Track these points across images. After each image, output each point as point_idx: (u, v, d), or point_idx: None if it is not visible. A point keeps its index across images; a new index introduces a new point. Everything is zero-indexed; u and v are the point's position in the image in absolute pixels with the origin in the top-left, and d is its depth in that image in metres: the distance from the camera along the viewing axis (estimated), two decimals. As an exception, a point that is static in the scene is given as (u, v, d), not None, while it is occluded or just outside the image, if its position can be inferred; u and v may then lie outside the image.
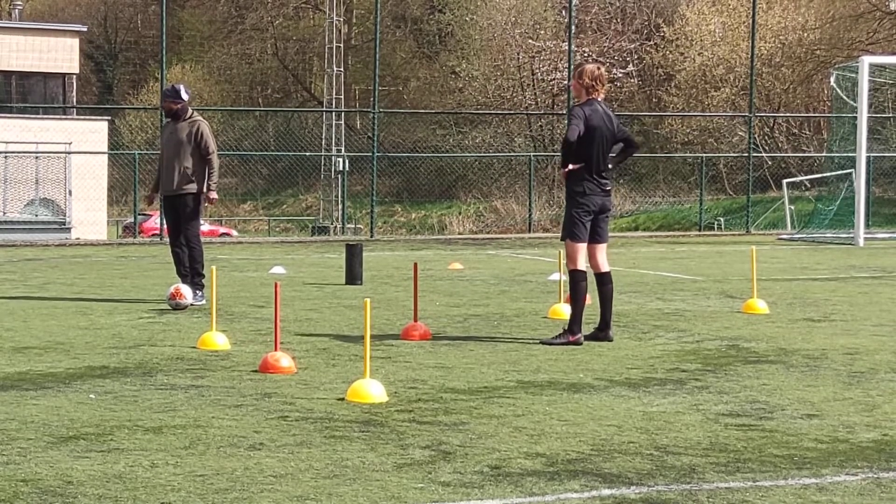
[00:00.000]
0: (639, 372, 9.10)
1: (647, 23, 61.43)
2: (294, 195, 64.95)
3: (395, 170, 54.07)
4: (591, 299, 11.33)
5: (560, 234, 10.95)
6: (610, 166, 10.71)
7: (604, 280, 10.73)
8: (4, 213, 38.14)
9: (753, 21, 31.62)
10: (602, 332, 10.67)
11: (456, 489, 5.78)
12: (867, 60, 25.56)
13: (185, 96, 13.55)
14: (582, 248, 10.58)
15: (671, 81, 57.25)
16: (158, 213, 24.64)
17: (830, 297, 14.38)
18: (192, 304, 12.92)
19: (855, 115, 25.64)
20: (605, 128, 10.53)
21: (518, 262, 20.06)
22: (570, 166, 10.54)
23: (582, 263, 10.57)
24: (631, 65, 59.42)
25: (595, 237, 10.68)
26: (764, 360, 9.71)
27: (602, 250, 10.76)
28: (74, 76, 50.70)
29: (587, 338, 10.62)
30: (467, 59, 62.81)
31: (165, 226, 14.00)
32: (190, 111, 13.62)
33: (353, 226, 47.42)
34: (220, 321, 11.30)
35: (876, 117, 32.77)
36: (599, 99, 10.63)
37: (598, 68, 10.67)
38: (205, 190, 13.46)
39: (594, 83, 10.57)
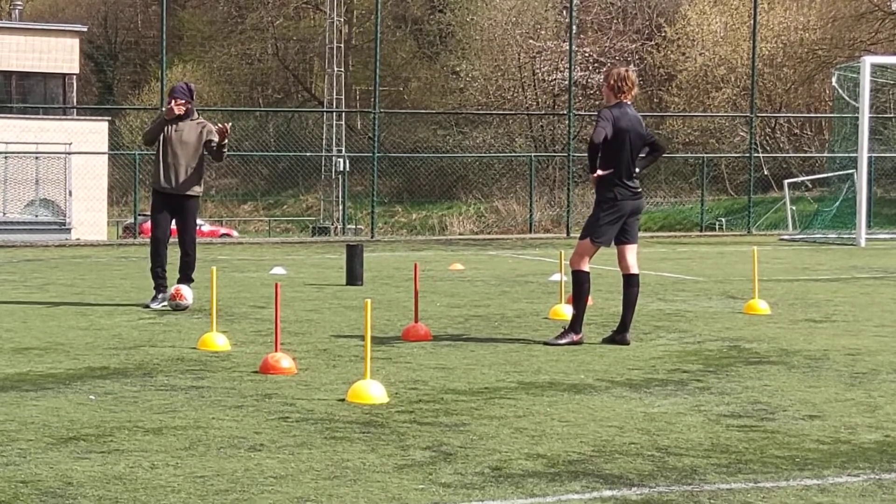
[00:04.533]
0: (640, 373, 9.09)
1: (648, 23, 61.44)
2: (294, 196, 64.97)
3: (395, 170, 54.07)
4: (592, 300, 11.30)
5: (580, 233, 10.80)
6: (637, 170, 10.61)
7: (631, 282, 10.62)
8: (4, 214, 38.11)
9: (755, 21, 31.60)
10: (619, 335, 10.58)
11: (457, 490, 5.76)
12: (869, 60, 25.54)
13: (194, 96, 13.59)
14: (594, 250, 10.53)
15: (672, 81, 57.27)
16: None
17: (832, 298, 14.37)
18: (188, 305, 12.87)
19: (856, 115, 25.62)
20: (635, 131, 10.44)
21: (519, 263, 20.04)
22: (600, 172, 10.41)
23: (587, 265, 10.53)
24: (632, 65, 59.36)
25: (625, 238, 10.57)
26: (765, 360, 9.70)
27: (633, 251, 10.66)
28: (74, 76, 50.69)
29: (604, 340, 10.59)
30: (468, 60, 62.81)
31: (153, 220, 13.53)
32: (195, 112, 13.58)
33: (354, 226, 47.41)
34: (221, 322, 11.28)
35: (877, 118, 32.74)
36: (628, 102, 10.54)
37: (626, 70, 10.55)
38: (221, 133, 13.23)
39: (620, 84, 10.45)
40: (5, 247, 23.48)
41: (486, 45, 62.42)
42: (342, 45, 63.18)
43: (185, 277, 13.37)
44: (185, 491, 5.70)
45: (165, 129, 13.40)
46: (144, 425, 7.09)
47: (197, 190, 13.37)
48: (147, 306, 13.06)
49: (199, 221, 13.51)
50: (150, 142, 13.64)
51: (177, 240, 13.47)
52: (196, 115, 13.51)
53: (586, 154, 10.77)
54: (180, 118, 13.36)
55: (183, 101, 13.33)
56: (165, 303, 13.11)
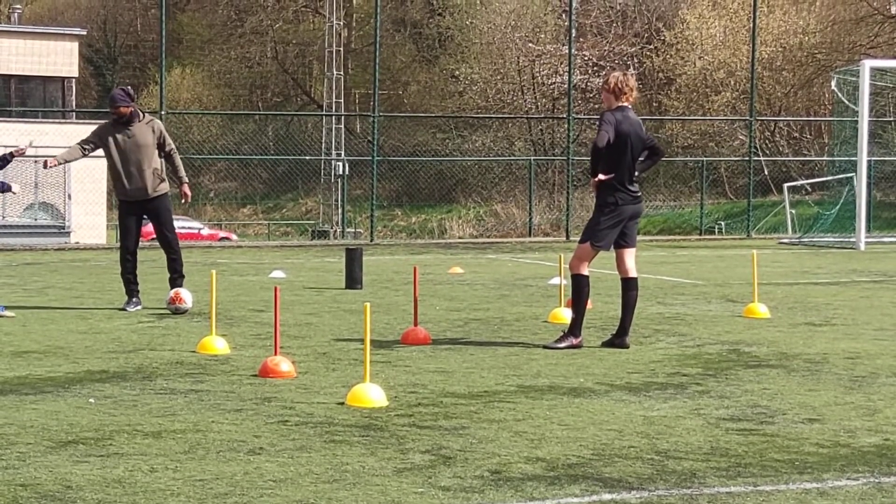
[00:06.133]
0: (639, 376, 9.08)
1: (647, 26, 61.47)
2: (294, 199, 65.01)
3: (395, 174, 54.10)
4: (591, 304, 11.29)
5: (580, 237, 10.79)
6: (636, 173, 10.59)
7: (629, 286, 10.60)
8: (4, 217, 38.08)
9: (754, 25, 31.59)
10: (619, 339, 10.57)
11: (456, 494, 5.76)
12: (868, 64, 25.54)
13: (134, 99, 13.61)
14: (594, 254, 10.51)
15: (672, 85, 57.32)
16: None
17: (832, 302, 14.36)
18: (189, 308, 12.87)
19: (856, 118, 25.62)
20: (636, 135, 10.42)
21: (518, 267, 20.03)
22: (601, 176, 10.39)
23: (587, 268, 10.52)
24: (631, 68, 59.42)
25: (624, 241, 10.55)
26: (765, 364, 9.69)
27: (631, 254, 10.64)
28: (74, 80, 50.76)
29: (604, 344, 10.59)
30: (467, 63, 62.86)
31: (122, 230, 13.63)
32: (140, 112, 13.57)
33: (353, 230, 47.44)
34: (220, 325, 11.28)
35: (877, 121, 32.75)
36: (628, 106, 10.51)
37: (624, 74, 10.52)
38: (181, 185, 13.36)
39: (620, 87, 10.41)
40: (5, 250, 23.46)
41: (485, 49, 62.48)
42: (341, 49, 63.24)
43: (177, 276, 13.36)
44: (184, 494, 5.69)
45: (114, 137, 13.35)
46: (144, 429, 7.08)
47: (164, 187, 13.35)
48: (123, 309, 13.09)
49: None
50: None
51: (158, 242, 13.49)
52: (142, 115, 13.50)
53: (587, 158, 10.78)
54: (129, 123, 13.34)
55: (127, 107, 13.28)
56: (140, 306, 13.16)
